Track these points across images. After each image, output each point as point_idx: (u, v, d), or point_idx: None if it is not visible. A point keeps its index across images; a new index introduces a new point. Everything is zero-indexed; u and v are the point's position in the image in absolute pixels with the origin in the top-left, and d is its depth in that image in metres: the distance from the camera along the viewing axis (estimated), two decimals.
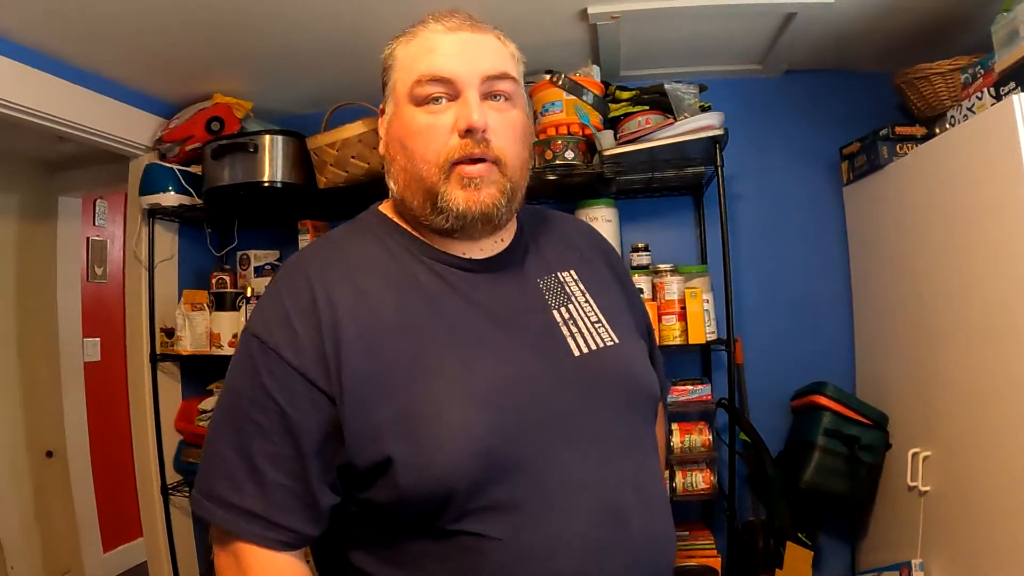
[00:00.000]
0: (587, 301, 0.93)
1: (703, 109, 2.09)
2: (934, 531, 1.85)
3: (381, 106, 0.93)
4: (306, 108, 2.65)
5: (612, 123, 2.16)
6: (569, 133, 2.09)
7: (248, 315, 2.28)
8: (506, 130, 0.84)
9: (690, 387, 2.20)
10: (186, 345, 2.39)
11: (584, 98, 2.07)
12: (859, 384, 2.38)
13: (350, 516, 0.81)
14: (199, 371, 2.62)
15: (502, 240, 0.92)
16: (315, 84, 2.43)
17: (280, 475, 0.76)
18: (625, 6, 1.92)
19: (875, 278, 2.25)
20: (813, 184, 2.47)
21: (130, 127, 2.38)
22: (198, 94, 2.45)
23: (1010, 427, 1.53)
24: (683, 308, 2.10)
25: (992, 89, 1.67)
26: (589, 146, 2.10)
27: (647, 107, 2.12)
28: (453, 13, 0.86)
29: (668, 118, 2.06)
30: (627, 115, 2.13)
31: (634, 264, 2.30)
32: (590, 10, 1.93)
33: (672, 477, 2.12)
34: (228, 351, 2.31)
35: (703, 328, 2.08)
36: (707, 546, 2.15)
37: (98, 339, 3.55)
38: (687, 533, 2.21)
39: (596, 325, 0.91)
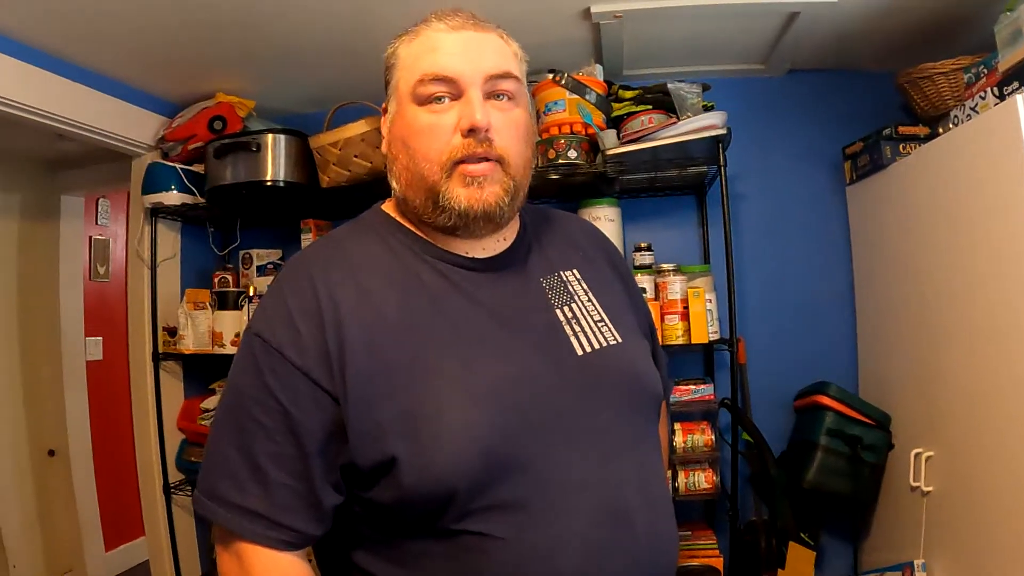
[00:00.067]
0: (590, 300, 0.93)
1: (706, 108, 2.09)
2: (937, 531, 1.85)
3: (384, 105, 0.93)
4: (309, 107, 2.65)
5: (615, 122, 2.16)
6: (572, 132, 2.09)
7: (250, 314, 2.28)
8: (509, 129, 0.84)
9: (693, 387, 2.20)
10: (188, 344, 2.39)
11: (587, 97, 2.06)
12: (862, 384, 2.37)
13: (353, 516, 0.81)
14: (201, 370, 2.63)
15: (505, 239, 0.92)
16: (318, 83, 2.43)
17: (283, 475, 0.76)
18: (628, 5, 1.92)
19: (878, 278, 2.25)
20: (816, 184, 2.47)
21: (132, 126, 2.38)
22: (201, 93, 2.45)
23: (1013, 427, 1.53)
24: (686, 308, 2.09)
25: (995, 89, 1.67)
26: (592, 145, 2.10)
27: (650, 106, 2.12)
28: (456, 12, 0.86)
29: (671, 117, 2.06)
30: (630, 114, 2.13)
31: (637, 264, 2.30)
32: (593, 9, 1.93)
33: (674, 477, 2.12)
34: (230, 350, 2.31)
35: (706, 328, 2.07)
36: (709, 546, 2.15)
37: (100, 338, 3.55)
38: (689, 533, 2.21)
39: (599, 324, 0.91)
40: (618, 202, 2.31)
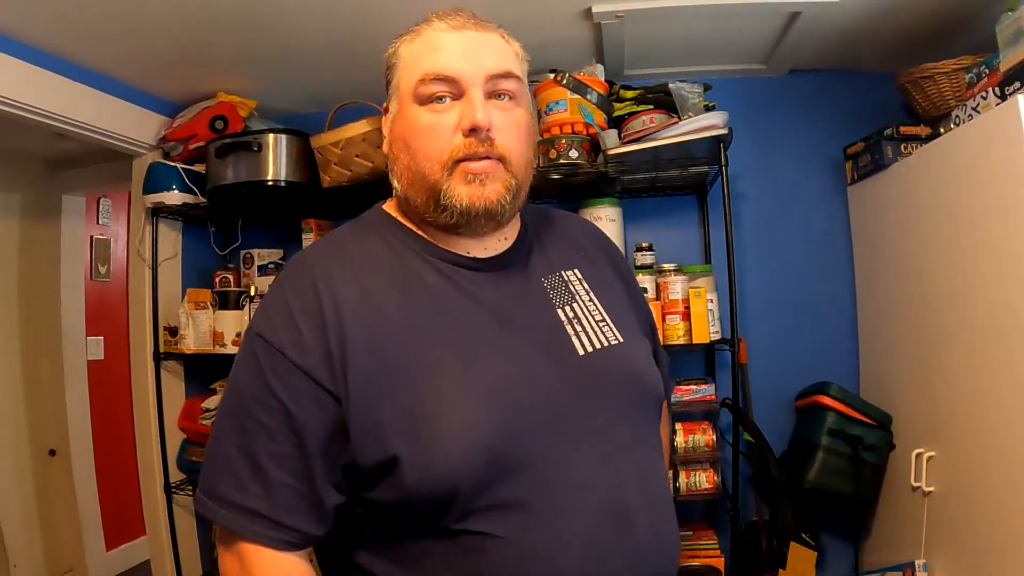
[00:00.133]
0: (591, 300, 0.93)
1: (707, 108, 2.08)
2: (938, 532, 1.84)
3: (385, 105, 0.93)
4: (310, 107, 2.65)
5: (616, 122, 2.16)
6: (573, 132, 2.08)
7: (251, 314, 2.28)
8: (510, 128, 0.84)
9: (694, 387, 2.20)
10: (189, 344, 2.40)
11: (588, 97, 2.06)
12: (863, 384, 2.37)
13: (354, 516, 0.81)
14: (202, 370, 2.63)
15: (506, 239, 0.92)
16: (319, 83, 2.43)
17: (284, 475, 0.76)
18: (629, 5, 1.92)
19: (879, 278, 2.24)
20: (817, 184, 2.46)
21: (134, 126, 2.38)
22: (202, 93, 2.45)
23: (1014, 427, 1.53)
24: (687, 308, 2.09)
25: (997, 89, 1.67)
26: (593, 145, 2.10)
27: (651, 106, 2.12)
28: (457, 12, 0.86)
29: (672, 117, 2.06)
30: (631, 114, 2.13)
31: (638, 263, 2.30)
32: (594, 9, 1.93)
33: (675, 477, 2.12)
34: (232, 350, 2.31)
35: (707, 328, 2.07)
36: (710, 546, 2.15)
37: (101, 337, 3.55)
38: (690, 533, 2.21)
39: (600, 324, 0.91)
40: (619, 202, 2.31)
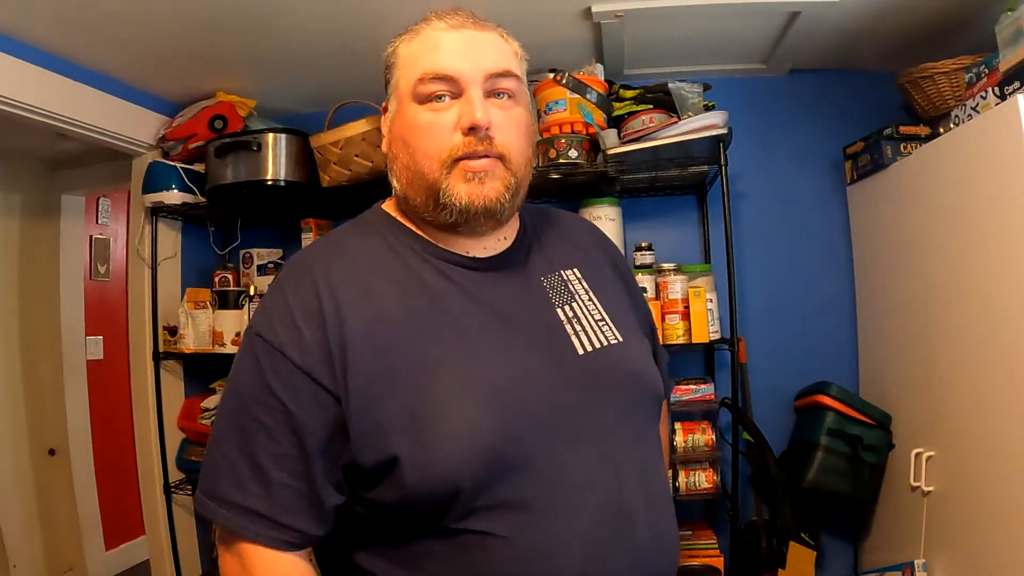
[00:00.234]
0: (591, 299, 0.93)
1: (707, 108, 2.08)
2: (937, 531, 1.85)
3: (384, 104, 0.93)
4: (309, 106, 2.65)
5: (616, 122, 2.16)
6: (573, 132, 2.08)
7: (251, 313, 2.28)
8: (510, 127, 0.84)
9: (693, 386, 2.20)
10: (189, 343, 2.40)
11: (588, 97, 2.06)
12: (862, 384, 2.37)
13: (354, 516, 0.81)
14: (202, 369, 2.63)
15: (505, 238, 0.92)
16: (318, 83, 2.43)
17: (285, 475, 0.76)
18: (629, 5, 1.92)
19: (879, 277, 2.25)
20: (817, 183, 2.46)
21: (133, 125, 2.38)
22: (201, 92, 2.45)
23: (1014, 427, 1.53)
24: (686, 307, 2.09)
25: (996, 88, 1.67)
26: (593, 145, 2.10)
27: (651, 106, 2.12)
28: (456, 11, 0.86)
29: (672, 117, 2.06)
30: (631, 114, 2.13)
31: (638, 263, 2.30)
32: (594, 9, 1.93)
33: (675, 476, 2.12)
34: (231, 349, 2.31)
35: (706, 327, 2.07)
36: (710, 546, 2.15)
37: (101, 337, 3.55)
38: (690, 532, 2.21)
39: (600, 323, 0.91)
40: (619, 201, 2.31)
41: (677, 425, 2.14)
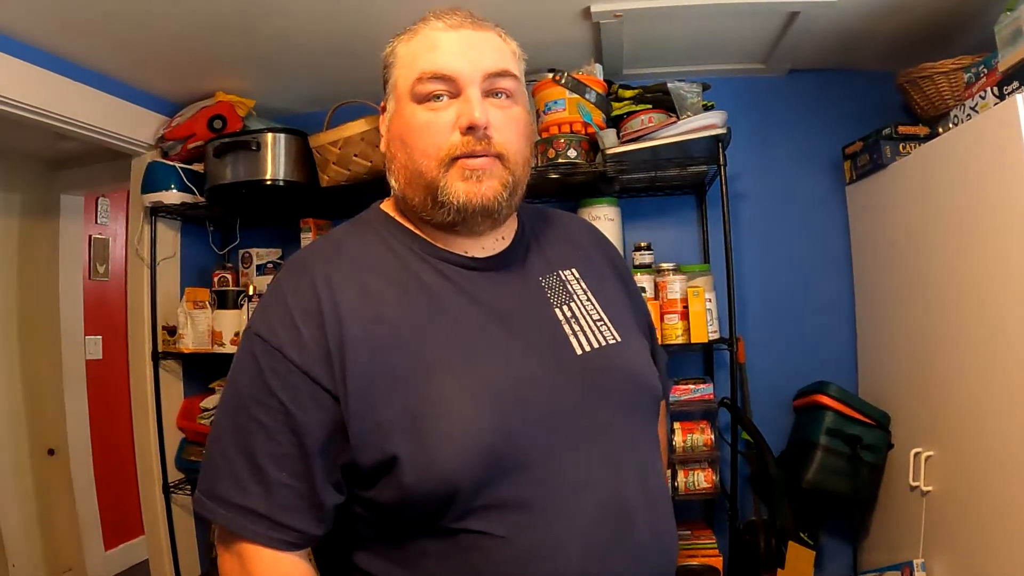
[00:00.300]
0: (589, 299, 0.93)
1: (706, 108, 2.08)
2: (936, 531, 1.85)
3: (382, 103, 0.93)
4: (308, 106, 2.65)
5: (615, 122, 2.16)
6: (572, 132, 2.08)
7: (250, 313, 2.28)
8: (508, 126, 0.84)
9: (692, 386, 2.20)
10: (188, 343, 2.39)
11: (587, 96, 2.06)
12: (861, 384, 2.37)
13: (353, 516, 0.81)
14: (201, 369, 2.63)
15: (503, 238, 0.92)
16: (317, 82, 2.43)
17: (284, 475, 0.76)
18: (628, 4, 1.92)
19: (878, 277, 2.25)
20: (816, 183, 2.47)
21: (132, 125, 2.38)
22: (200, 92, 2.45)
23: (1013, 426, 1.53)
24: (685, 307, 2.09)
25: (995, 88, 1.67)
26: (592, 145, 2.10)
27: (650, 106, 2.12)
28: (454, 11, 0.86)
29: (671, 117, 2.06)
30: (630, 114, 2.13)
31: (637, 263, 2.30)
32: (593, 8, 1.93)
33: (674, 476, 2.12)
34: (230, 349, 2.31)
35: (705, 327, 2.07)
36: (709, 545, 2.15)
37: (100, 337, 3.55)
38: (689, 532, 2.21)
39: (598, 323, 0.91)
40: (618, 201, 2.31)
41: (676, 425, 2.14)
